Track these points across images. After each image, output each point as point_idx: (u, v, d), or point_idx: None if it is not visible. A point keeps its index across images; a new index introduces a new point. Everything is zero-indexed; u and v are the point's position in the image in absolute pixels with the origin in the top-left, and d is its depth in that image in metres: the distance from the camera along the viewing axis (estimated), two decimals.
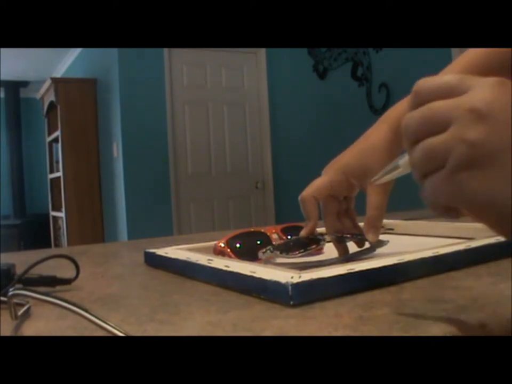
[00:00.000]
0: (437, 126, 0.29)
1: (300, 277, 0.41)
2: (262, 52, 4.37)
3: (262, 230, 0.62)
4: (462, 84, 0.30)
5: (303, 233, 0.58)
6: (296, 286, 0.40)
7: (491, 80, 0.29)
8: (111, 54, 4.10)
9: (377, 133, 0.57)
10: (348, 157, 0.59)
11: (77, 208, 4.51)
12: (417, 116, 0.30)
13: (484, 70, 0.54)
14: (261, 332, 0.35)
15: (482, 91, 0.29)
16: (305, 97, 3.97)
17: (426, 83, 0.31)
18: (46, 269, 0.49)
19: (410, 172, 0.32)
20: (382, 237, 0.57)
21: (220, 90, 4.32)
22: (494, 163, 0.27)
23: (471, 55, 0.56)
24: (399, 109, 0.56)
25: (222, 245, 0.58)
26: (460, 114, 0.28)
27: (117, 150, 4.10)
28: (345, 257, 0.58)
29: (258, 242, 0.60)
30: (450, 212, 0.31)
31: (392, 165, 0.36)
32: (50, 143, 5.15)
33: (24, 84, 6.74)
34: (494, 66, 0.54)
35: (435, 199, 0.30)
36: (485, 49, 0.55)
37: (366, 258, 0.51)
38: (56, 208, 5.01)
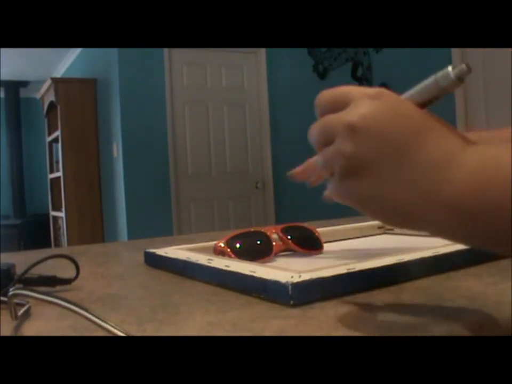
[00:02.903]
0: (328, 138, 0.34)
1: (299, 276, 0.42)
2: (262, 52, 4.37)
3: (262, 230, 0.62)
4: (347, 97, 0.34)
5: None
6: (296, 285, 0.40)
7: (369, 92, 0.33)
8: (111, 54, 4.10)
9: None
10: None
11: (77, 208, 4.52)
12: (315, 128, 0.35)
13: None
14: (261, 331, 0.35)
15: (359, 106, 0.32)
16: (305, 97, 3.97)
17: (322, 95, 0.36)
18: (46, 269, 0.49)
19: None
20: (382, 237, 0.57)
21: (220, 90, 4.32)
22: (368, 172, 0.32)
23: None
24: None
25: (222, 245, 0.58)
26: (340, 128, 0.32)
27: (117, 150, 4.10)
28: None
29: (258, 242, 0.60)
30: None
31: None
32: (50, 143, 5.15)
33: (24, 83, 6.74)
34: None
35: (334, 199, 0.35)
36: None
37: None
38: (56, 208, 5.01)
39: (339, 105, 0.34)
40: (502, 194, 0.27)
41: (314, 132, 0.35)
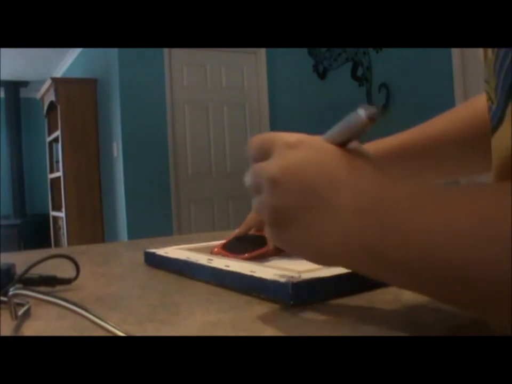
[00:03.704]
0: (257, 188, 0.36)
1: (299, 276, 0.42)
2: (262, 51, 4.37)
3: (258, 233, 0.61)
4: (271, 145, 0.35)
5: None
6: (296, 285, 0.40)
7: (289, 141, 0.35)
8: (111, 54, 4.10)
9: None
10: None
11: (77, 208, 4.52)
12: (248, 176, 0.37)
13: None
14: (261, 332, 0.35)
15: (279, 156, 0.34)
16: (305, 97, 3.97)
17: (252, 142, 0.38)
18: (46, 269, 0.49)
19: None
20: None
21: (219, 90, 4.32)
22: (291, 221, 0.33)
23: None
24: None
25: (218, 250, 0.58)
26: (264, 181, 0.34)
27: (117, 150, 4.10)
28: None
29: (256, 244, 0.60)
30: None
31: None
32: (50, 143, 5.15)
33: (24, 83, 6.74)
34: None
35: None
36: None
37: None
38: (56, 208, 5.01)
39: (265, 154, 0.36)
40: (426, 246, 0.27)
41: (247, 180, 0.38)
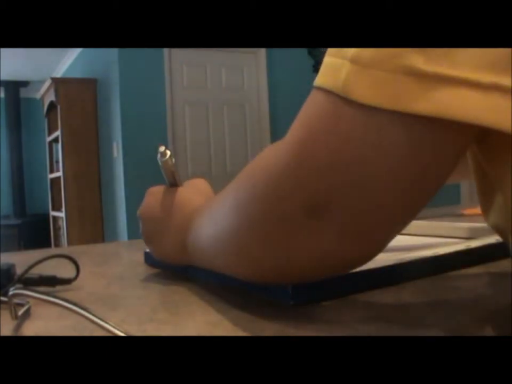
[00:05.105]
0: None
1: None
2: (262, 52, 4.37)
3: None
4: (148, 192, 0.54)
5: None
6: (297, 285, 0.40)
7: (150, 190, 0.53)
8: (111, 54, 4.10)
9: None
10: None
11: (77, 208, 4.52)
12: None
13: None
14: (261, 332, 0.35)
15: (143, 200, 0.54)
16: (306, 97, 3.96)
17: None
18: (46, 269, 0.49)
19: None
20: None
21: (220, 90, 4.32)
22: (150, 241, 0.53)
23: None
24: None
25: None
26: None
27: (117, 150, 4.10)
28: None
29: None
30: None
31: None
32: (50, 143, 5.16)
33: (24, 83, 6.75)
34: None
35: None
36: None
37: None
38: (56, 208, 5.01)
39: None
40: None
41: None
